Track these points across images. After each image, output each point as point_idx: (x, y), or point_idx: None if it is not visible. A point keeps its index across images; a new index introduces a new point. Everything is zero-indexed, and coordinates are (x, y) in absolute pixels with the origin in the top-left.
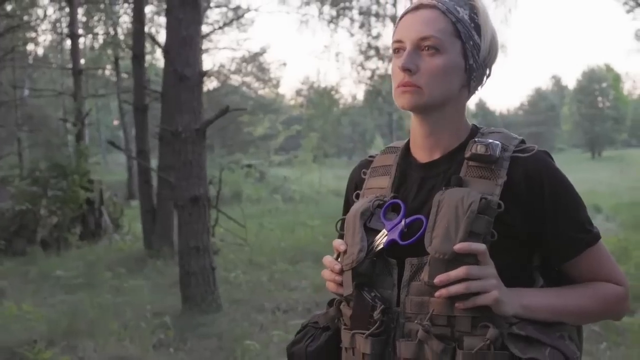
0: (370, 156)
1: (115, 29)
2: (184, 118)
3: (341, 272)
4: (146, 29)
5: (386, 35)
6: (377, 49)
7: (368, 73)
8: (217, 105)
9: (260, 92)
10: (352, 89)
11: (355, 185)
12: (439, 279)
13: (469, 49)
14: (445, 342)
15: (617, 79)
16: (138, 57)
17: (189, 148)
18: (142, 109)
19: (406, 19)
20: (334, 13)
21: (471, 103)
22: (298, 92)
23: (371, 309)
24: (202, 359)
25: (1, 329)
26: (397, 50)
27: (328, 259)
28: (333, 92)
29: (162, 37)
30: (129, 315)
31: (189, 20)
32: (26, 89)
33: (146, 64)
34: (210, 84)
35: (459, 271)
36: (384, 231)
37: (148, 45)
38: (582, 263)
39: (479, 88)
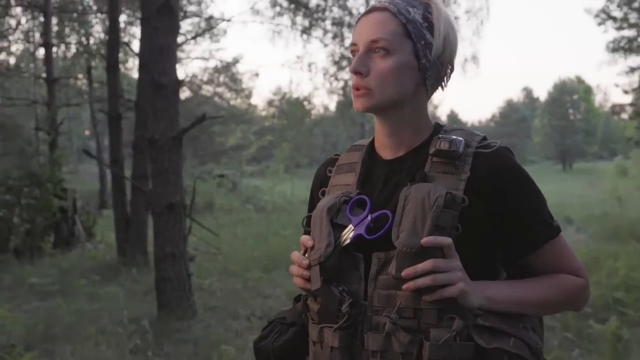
0: (336, 154)
1: (87, 39)
2: (161, 126)
3: (309, 267)
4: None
5: None
6: (350, 60)
7: (341, 83)
8: (189, 115)
9: (233, 102)
10: (324, 100)
11: (321, 182)
12: (406, 272)
13: (420, 48)
14: (412, 334)
15: (588, 91)
16: (113, 66)
17: (166, 155)
18: (116, 118)
19: (360, 22)
20: (306, 24)
21: (442, 114)
22: (270, 103)
23: (339, 302)
24: None
25: None
26: (353, 54)
27: (296, 255)
28: (305, 103)
29: (134, 47)
30: (106, 320)
31: (166, 28)
32: None
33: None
34: (182, 94)
35: (426, 264)
36: (351, 226)
37: (120, 55)
38: (544, 255)
39: (444, 84)
